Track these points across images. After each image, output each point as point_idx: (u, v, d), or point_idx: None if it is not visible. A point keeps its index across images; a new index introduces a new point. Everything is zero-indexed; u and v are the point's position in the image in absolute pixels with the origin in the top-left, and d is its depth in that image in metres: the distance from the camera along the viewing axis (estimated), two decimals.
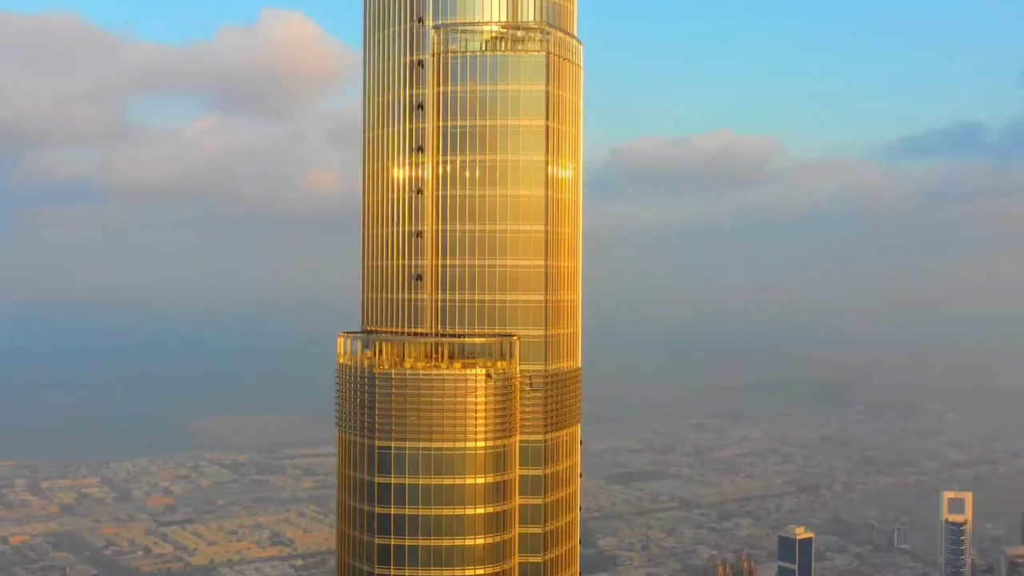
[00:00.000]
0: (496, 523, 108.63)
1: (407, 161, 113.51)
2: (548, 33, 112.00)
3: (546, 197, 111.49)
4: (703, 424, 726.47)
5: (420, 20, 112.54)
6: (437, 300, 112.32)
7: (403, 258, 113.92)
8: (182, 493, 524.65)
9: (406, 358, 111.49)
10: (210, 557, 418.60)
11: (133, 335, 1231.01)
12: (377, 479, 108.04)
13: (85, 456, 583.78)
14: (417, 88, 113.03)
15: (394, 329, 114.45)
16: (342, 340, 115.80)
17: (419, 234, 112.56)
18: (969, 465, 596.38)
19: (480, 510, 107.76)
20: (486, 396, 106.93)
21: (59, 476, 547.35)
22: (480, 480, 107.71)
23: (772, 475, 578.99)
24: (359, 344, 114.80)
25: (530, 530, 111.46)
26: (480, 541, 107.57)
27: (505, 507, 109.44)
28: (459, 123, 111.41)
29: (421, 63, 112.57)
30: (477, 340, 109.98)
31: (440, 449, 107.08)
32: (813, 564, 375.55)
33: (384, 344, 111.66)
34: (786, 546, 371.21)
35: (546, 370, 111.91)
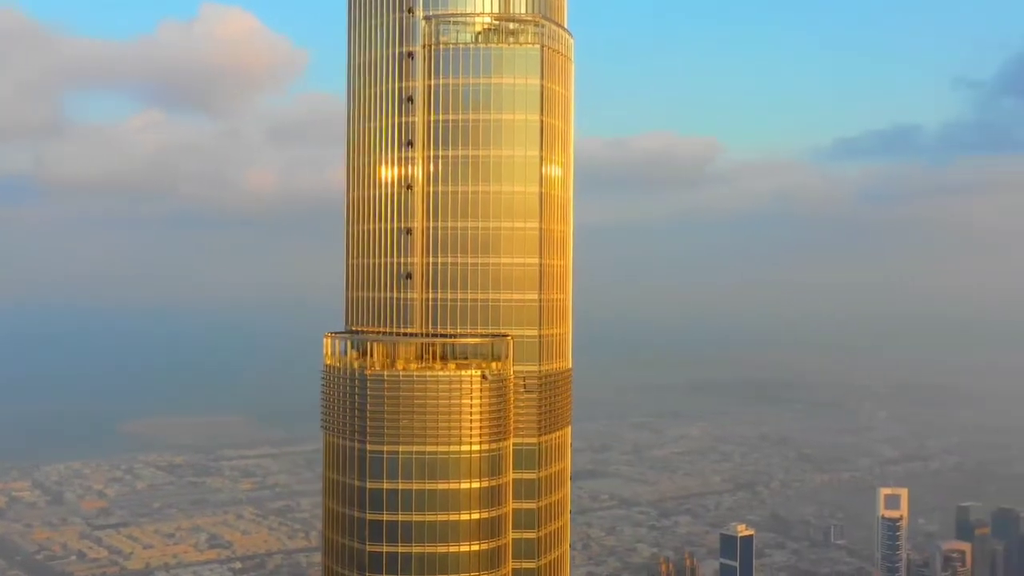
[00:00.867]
0: (490, 529, 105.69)
1: (396, 156, 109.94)
2: (542, 26, 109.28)
3: (540, 194, 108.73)
4: (642, 423, 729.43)
5: (410, 10, 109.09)
6: (427, 299, 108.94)
7: (391, 256, 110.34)
8: (117, 496, 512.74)
9: (397, 359, 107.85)
10: (146, 561, 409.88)
11: (66, 334, 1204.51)
12: (368, 484, 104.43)
13: (15, 459, 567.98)
14: (406, 81, 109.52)
15: (381, 329, 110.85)
16: (329, 340, 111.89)
17: (408, 231, 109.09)
18: (901, 462, 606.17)
19: (475, 515, 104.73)
20: (481, 398, 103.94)
21: None
22: (475, 484, 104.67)
23: (711, 473, 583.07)
24: (348, 345, 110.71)
25: (524, 535, 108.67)
26: (475, 547, 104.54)
27: (499, 512, 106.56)
28: (451, 117, 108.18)
29: (411, 55, 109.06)
30: (471, 340, 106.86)
31: (435, 453, 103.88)
32: (754, 561, 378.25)
33: (375, 345, 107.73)
34: (728, 543, 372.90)
35: (540, 371, 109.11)
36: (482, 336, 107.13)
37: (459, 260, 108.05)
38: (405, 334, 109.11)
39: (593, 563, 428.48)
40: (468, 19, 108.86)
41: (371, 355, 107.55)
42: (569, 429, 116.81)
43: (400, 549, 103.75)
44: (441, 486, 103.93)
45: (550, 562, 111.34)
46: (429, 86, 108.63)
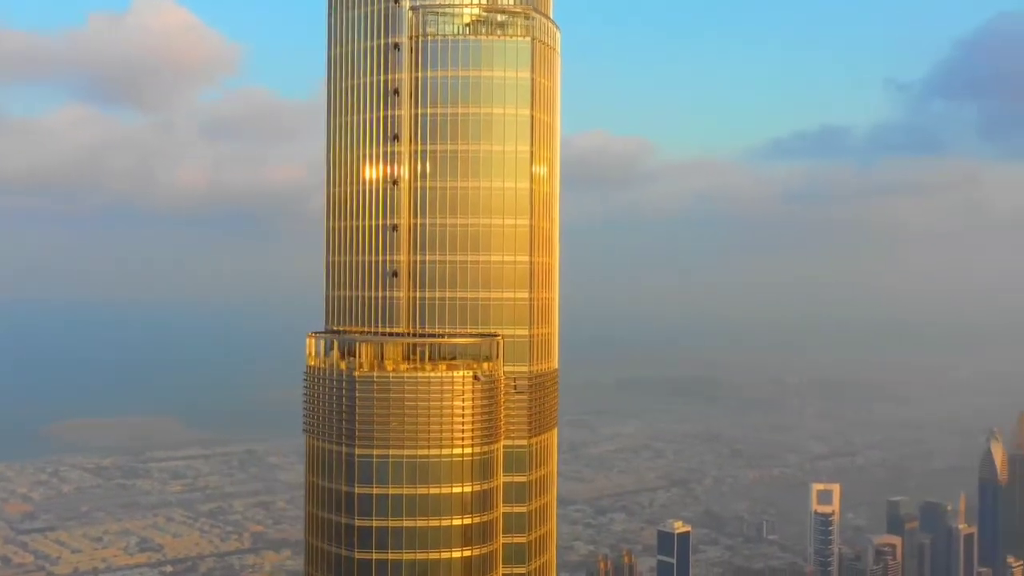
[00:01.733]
0: (482, 534, 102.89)
1: (380, 150, 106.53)
2: (532, 18, 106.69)
3: (530, 190, 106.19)
4: (576, 420, 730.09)
5: (396, 0, 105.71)
6: (414, 298, 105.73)
7: (375, 253, 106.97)
8: (42, 499, 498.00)
9: (385, 360, 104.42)
10: (74, 566, 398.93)
11: None
12: (357, 490, 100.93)
13: None
14: (392, 73, 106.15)
15: (364, 329, 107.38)
16: (312, 340, 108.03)
17: (395, 228, 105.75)
18: (830, 457, 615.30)
19: (468, 520, 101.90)
20: (473, 400, 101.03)
21: None
22: (468, 488, 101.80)
23: (645, 470, 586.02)
24: (335, 345, 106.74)
25: (514, 540, 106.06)
26: (467, 553, 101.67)
27: (490, 517, 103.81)
28: (439, 111, 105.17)
29: (397, 46, 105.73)
30: (462, 340, 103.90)
31: (427, 456, 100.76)
32: (690, 557, 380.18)
33: (363, 345, 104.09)
34: (665, 540, 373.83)
35: (531, 371, 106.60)
36: (472, 336, 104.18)
37: (447, 258, 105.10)
38: (391, 334, 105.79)
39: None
40: (456, 10, 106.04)
41: (359, 356, 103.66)
42: (555, 431, 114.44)
43: (390, 556, 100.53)
44: (433, 490, 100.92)
45: (538, 567, 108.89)
46: (416, 79, 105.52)
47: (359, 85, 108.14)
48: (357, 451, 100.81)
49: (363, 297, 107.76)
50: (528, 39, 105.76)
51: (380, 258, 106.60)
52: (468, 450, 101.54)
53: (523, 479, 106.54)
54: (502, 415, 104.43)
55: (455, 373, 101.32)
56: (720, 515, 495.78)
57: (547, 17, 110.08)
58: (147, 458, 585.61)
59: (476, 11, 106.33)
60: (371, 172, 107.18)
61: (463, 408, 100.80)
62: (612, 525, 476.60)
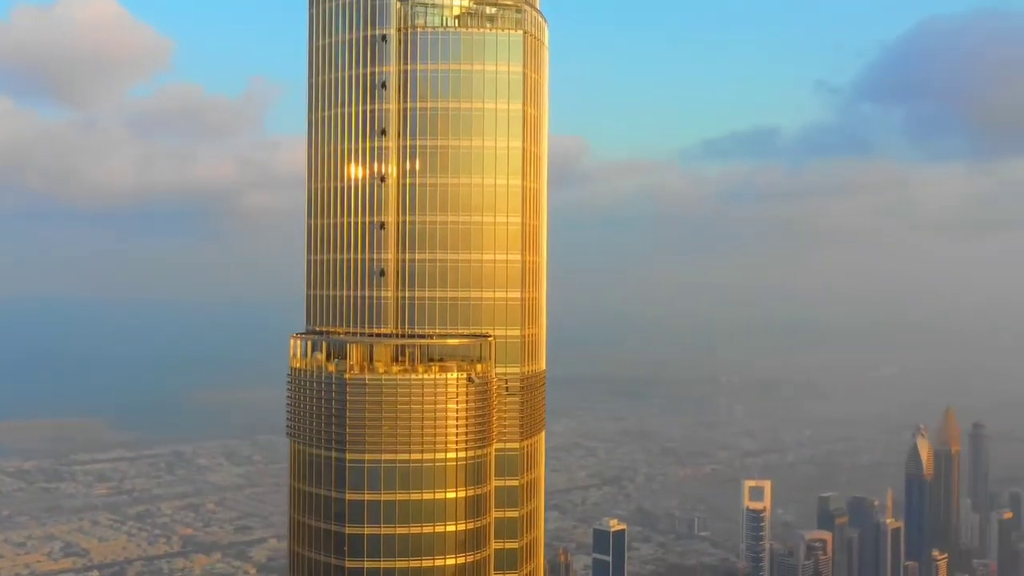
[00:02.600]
0: (475, 540, 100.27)
1: (366, 145, 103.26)
2: (522, 11, 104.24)
3: (522, 187, 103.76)
4: None
5: None
6: (402, 297, 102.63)
7: (361, 252, 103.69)
8: None
9: (375, 361, 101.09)
10: None
11: None
12: (348, 496, 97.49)
13: None
14: (379, 65, 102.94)
15: (349, 329, 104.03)
16: (296, 341, 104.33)
17: (382, 225, 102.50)
18: (759, 454, 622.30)
19: (461, 526, 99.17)
20: (467, 402, 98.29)
21: None
22: (462, 494, 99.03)
23: (577, 468, 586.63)
24: (323, 346, 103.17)
25: (506, 545, 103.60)
26: (461, 560, 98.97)
27: (483, 522, 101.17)
28: (428, 105, 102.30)
29: (384, 38, 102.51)
30: (454, 341, 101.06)
31: (420, 461, 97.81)
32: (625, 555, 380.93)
33: (353, 347, 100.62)
34: (600, 538, 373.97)
35: (522, 372, 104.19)
36: (464, 337, 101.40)
37: (437, 256, 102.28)
38: (378, 334, 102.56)
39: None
40: (445, 1, 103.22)
41: (349, 358, 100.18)
42: (544, 433, 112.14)
43: (383, 564, 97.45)
44: (427, 496, 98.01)
45: (528, 573, 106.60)
46: (404, 72, 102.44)
47: (343, 78, 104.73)
48: (348, 456, 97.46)
49: (347, 297, 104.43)
50: (520, 32, 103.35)
51: (366, 256, 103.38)
52: (462, 454, 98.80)
53: (515, 483, 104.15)
54: (495, 418, 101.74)
55: (448, 375, 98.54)
56: (652, 512, 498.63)
57: (536, 10, 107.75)
58: (71, 461, 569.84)
59: (466, 3, 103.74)
60: (356, 168, 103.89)
61: (457, 411, 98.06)
62: (545, 524, 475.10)
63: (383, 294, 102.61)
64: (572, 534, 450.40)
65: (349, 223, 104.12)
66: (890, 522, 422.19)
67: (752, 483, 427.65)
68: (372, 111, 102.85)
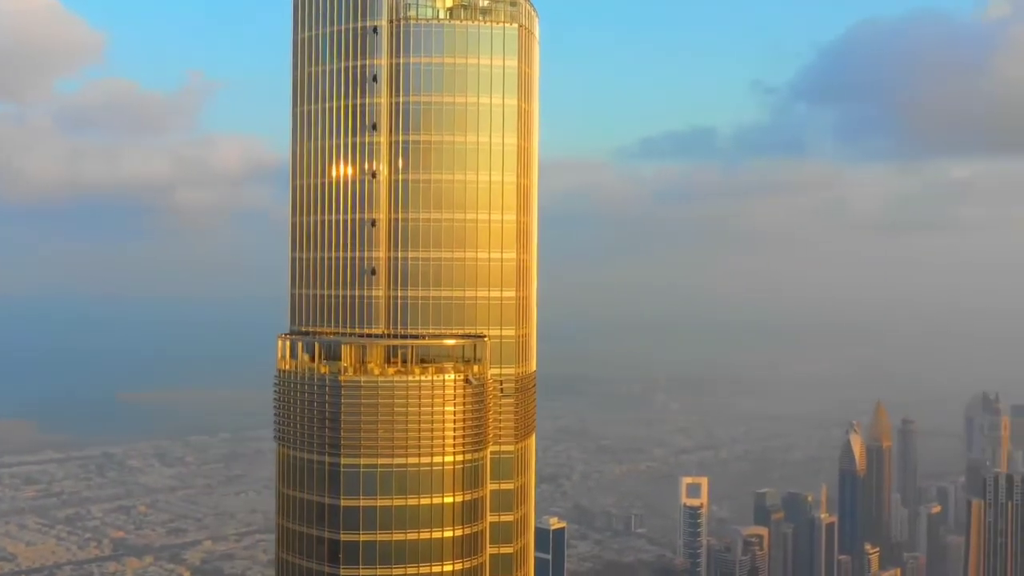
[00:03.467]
0: (472, 545, 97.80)
1: (355, 140, 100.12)
2: (516, 4, 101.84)
3: (517, 184, 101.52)
4: None
5: None
6: (393, 297, 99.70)
7: (350, 250, 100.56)
8: None
9: (368, 363, 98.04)
10: None
11: None
12: (343, 502, 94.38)
13: None
14: (369, 58, 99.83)
15: (338, 330, 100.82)
16: (283, 342, 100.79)
17: (373, 223, 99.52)
18: (694, 451, 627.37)
19: (459, 531, 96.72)
20: (464, 404, 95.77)
21: None
22: (459, 498, 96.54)
23: None
24: (316, 347, 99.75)
25: (501, 550, 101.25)
26: (459, 566, 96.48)
27: (478, 528, 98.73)
28: (421, 99, 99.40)
29: (375, 30, 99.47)
30: (450, 342, 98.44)
31: (417, 465, 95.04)
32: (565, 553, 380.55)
33: (347, 348, 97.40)
34: (540, 536, 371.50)
35: (517, 373, 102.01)
36: (460, 337, 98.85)
37: (431, 255, 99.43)
38: (369, 335, 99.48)
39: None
40: None
41: (343, 359, 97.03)
42: (534, 436, 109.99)
43: (379, 571, 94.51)
44: (424, 501, 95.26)
45: None
46: (395, 65, 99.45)
47: (331, 71, 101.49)
48: (343, 461, 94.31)
49: (335, 296, 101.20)
50: (515, 26, 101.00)
51: (355, 255, 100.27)
52: (459, 457, 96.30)
53: (510, 486, 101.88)
54: (490, 420, 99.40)
55: (445, 377, 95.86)
56: (589, 510, 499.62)
57: (528, 2, 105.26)
58: None
59: None
60: (345, 164, 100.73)
61: (454, 413, 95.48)
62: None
63: (374, 293, 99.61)
64: None
65: (337, 220, 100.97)
66: (824, 517, 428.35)
67: (689, 480, 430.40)
68: (362, 105, 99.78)
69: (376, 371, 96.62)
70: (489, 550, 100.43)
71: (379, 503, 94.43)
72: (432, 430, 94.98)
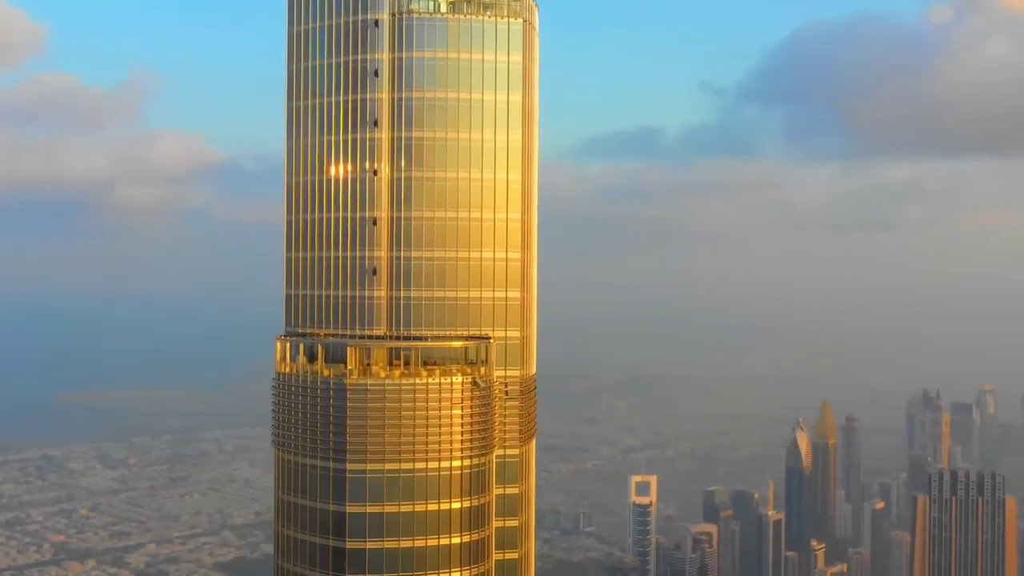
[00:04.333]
0: (478, 551, 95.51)
1: (356, 137, 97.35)
2: None
3: (523, 182, 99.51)
4: None
5: None
6: (394, 297, 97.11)
7: (349, 249, 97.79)
8: None
9: (372, 365, 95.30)
10: None
11: None
12: (349, 509, 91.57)
13: None
14: (369, 52, 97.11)
15: (338, 331, 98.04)
16: (284, 344, 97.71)
17: (374, 221, 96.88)
18: (641, 450, 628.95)
19: (466, 538, 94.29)
20: (472, 408, 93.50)
21: None
22: (467, 503, 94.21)
23: None
24: (319, 350, 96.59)
25: (507, 556, 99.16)
26: (465, 573, 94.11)
27: (484, 533, 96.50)
28: (425, 95, 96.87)
29: (376, 23, 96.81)
30: (456, 343, 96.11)
31: (424, 470, 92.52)
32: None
33: (352, 350, 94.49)
34: None
35: (522, 376, 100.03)
36: (465, 339, 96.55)
37: (435, 255, 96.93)
38: (370, 336, 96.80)
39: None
40: None
41: (348, 362, 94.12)
42: (535, 439, 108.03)
43: None
44: (431, 507, 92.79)
45: None
46: (397, 59, 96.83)
47: (329, 65, 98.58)
48: (349, 467, 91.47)
49: (334, 297, 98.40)
50: (519, 21, 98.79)
51: (355, 254, 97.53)
52: (467, 462, 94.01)
53: (515, 490, 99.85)
54: (496, 424, 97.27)
55: (453, 379, 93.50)
56: (537, 509, 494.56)
57: None
58: None
59: None
60: (344, 161, 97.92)
61: (462, 417, 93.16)
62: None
63: (375, 294, 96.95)
64: None
65: (336, 219, 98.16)
66: (772, 514, 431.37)
67: (639, 478, 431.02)
68: (362, 101, 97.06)
69: (382, 374, 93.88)
70: (494, 556, 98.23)
71: (386, 509, 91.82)
72: (440, 434, 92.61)
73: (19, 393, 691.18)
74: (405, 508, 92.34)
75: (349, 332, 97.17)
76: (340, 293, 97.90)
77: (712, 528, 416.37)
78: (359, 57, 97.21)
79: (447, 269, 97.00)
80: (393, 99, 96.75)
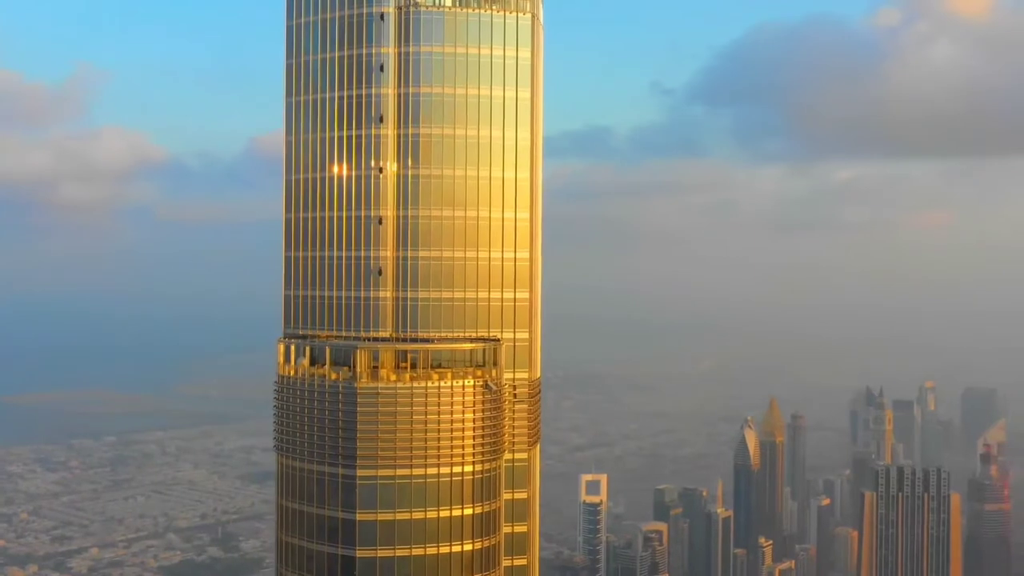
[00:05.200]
0: (488, 558, 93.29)
1: (360, 133, 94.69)
2: None
3: (531, 180, 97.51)
4: None
5: None
6: (401, 298, 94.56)
7: (352, 249, 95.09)
8: None
9: (381, 368, 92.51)
10: None
11: None
12: (359, 516, 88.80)
13: None
14: (374, 47, 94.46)
15: (341, 333, 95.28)
16: (289, 346, 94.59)
17: (380, 220, 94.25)
18: (588, 448, 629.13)
19: (478, 544, 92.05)
20: (483, 411, 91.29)
21: None
22: (479, 509, 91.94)
23: None
24: (327, 352, 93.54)
25: (515, 562, 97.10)
26: None
27: (495, 540, 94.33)
28: (433, 90, 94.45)
29: (382, 16, 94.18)
30: (467, 345, 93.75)
31: (436, 476, 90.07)
32: None
33: (361, 353, 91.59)
34: None
35: (531, 378, 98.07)
36: (475, 340, 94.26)
37: (443, 254, 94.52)
38: (375, 338, 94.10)
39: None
40: None
41: (357, 364, 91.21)
42: (540, 443, 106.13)
43: None
44: (443, 513, 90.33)
45: None
46: (403, 53, 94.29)
47: (331, 60, 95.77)
48: (359, 473, 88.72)
49: (336, 297, 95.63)
50: (528, 15, 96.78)
51: (359, 254, 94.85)
52: (478, 467, 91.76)
53: (524, 495, 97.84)
54: (506, 427, 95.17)
55: (465, 382, 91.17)
56: None
57: None
58: None
59: None
60: (347, 158, 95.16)
61: (474, 421, 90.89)
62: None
63: (380, 294, 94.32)
64: None
65: (339, 218, 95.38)
66: (721, 512, 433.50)
67: (589, 477, 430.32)
68: (366, 96, 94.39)
69: (392, 377, 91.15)
70: (503, 562, 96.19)
71: (397, 516, 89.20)
72: (452, 439, 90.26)
73: None
74: (417, 515, 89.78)
75: (353, 334, 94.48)
76: (343, 294, 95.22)
77: (662, 526, 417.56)
78: (363, 51, 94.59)
79: (455, 269, 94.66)
80: (399, 95, 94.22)
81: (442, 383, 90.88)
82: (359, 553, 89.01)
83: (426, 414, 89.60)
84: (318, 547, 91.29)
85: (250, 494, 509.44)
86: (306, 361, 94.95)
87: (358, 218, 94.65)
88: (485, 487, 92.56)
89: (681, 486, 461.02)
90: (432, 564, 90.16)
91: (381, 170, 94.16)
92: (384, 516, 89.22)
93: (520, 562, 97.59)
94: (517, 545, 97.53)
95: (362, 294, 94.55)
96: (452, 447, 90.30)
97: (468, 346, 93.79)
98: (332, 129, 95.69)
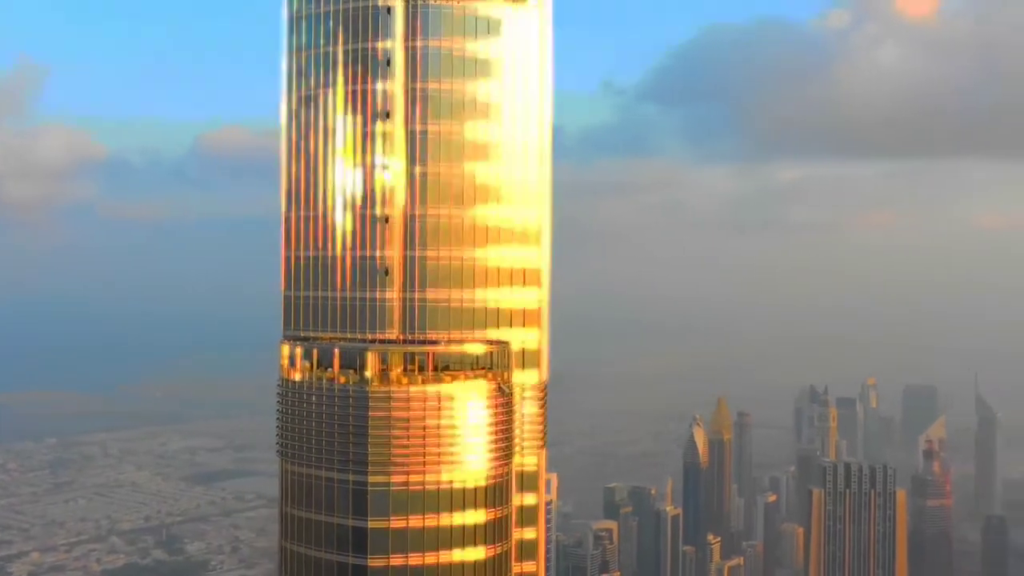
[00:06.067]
0: (500, 565, 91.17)
1: (366, 130, 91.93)
2: None
3: (540, 177, 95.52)
4: None
5: None
6: (408, 299, 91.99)
7: (358, 248, 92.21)
8: None
9: (390, 371, 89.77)
10: None
11: None
12: (370, 524, 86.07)
13: None
14: (380, 40, 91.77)
15: (345, 335, 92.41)
16: (290, 348, 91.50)
17: (386, 219, 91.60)
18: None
19: (490, 551, 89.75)
20: (496, 415, 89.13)
21: None
22: (490, 515, 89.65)
23: None
24: (335, 354, 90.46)
25: (524, 568, 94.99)
26: None
27: (507, 546, 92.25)
28: (442, 86, 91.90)
29: (389, 10, 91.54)
30: (480, 348, 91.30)
31: (450, 481, 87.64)
32: None
33: (371, 355, 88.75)
34: None
35: (541, 381, 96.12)
36: (487, 342, 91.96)
37: (452, 254, 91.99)
38: (381, 340, 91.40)
39: (245, 566, 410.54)
40: None
41: (368, 367, 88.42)
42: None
43: None
44: (458, 520, 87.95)
45: None
46: (411, 48, 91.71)
47: (334, 53, 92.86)
48: (370, 479, 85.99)
49: (341, 298, 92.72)
50: (536, 8, 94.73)
51: (364, 253, 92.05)
52: (491, 471, 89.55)
53: (533, 500, 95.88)
54: (516, 430, 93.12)
55: (479, 385, 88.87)
56: None
57: None
58: None
59: None
60: (352, 155, 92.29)
61: (487, 425, 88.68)
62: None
63: (386, 295, 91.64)
64: None
65: (343, 216, 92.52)
66: (669, 509, 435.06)
67: None
68: (372, 91, 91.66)
69: (404, 380, 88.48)
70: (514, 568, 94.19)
71: (410, 523, 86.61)
72: (464, 443, 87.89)
73: None
74: (430, 522, 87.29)
75: (359, 336, 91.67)
76: (348, 295, 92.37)
77: (612, 524, 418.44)
78: (368, 45, 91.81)
79: (464, 269, 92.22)
80: (407, 90, 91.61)
81: (455, 386, 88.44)
82: (371, 562, 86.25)
83: (439, 418, 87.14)
84: (326, 556, 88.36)
85: (195, 496, 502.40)
86: (306, 363, 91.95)
87: (363, 216, 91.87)
88: (497, 492, 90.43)
89: (631, 484, 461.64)
90: (445, 572, 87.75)
91: (387, 167, 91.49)
92: (397, 523, 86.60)
93: (530, 567, 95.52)
94: (526, 551, 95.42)
95: (367, 295, 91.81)
96: (465, 451, 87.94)
97: (480, 349, 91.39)
98: (334, 125, 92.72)
